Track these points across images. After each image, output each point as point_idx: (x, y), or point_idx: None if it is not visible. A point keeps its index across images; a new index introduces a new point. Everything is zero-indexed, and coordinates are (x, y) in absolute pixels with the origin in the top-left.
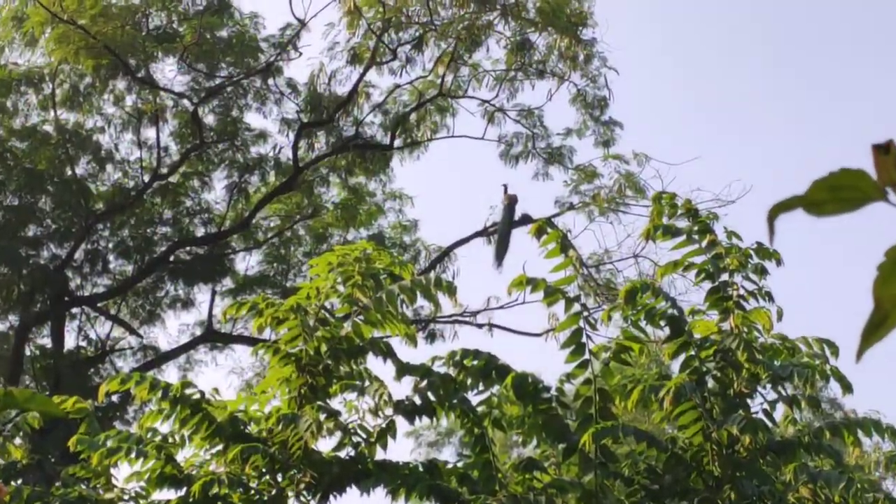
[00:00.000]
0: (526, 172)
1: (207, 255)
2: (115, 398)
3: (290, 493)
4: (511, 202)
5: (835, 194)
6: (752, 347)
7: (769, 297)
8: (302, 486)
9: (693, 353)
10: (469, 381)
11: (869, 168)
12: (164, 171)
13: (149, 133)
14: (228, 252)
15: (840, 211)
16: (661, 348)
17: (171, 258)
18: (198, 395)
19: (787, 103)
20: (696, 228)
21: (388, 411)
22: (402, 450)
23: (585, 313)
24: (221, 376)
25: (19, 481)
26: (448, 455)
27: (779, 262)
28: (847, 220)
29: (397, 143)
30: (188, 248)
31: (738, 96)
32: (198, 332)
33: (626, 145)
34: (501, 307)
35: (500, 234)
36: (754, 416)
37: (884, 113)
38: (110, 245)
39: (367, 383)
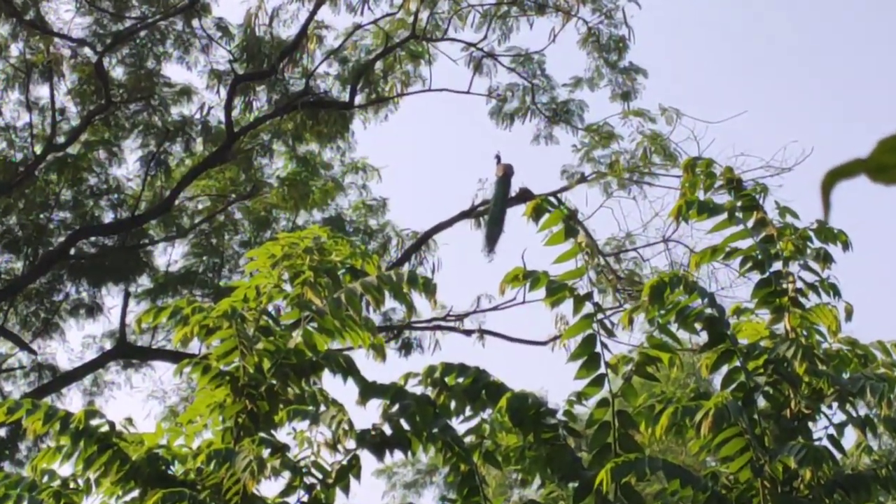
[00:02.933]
0: (524, 135)
1: (118, 246)
2: (1, 432)
3: None
4: (505, 174)
5: None
6: (814, 356)
7: (834, 290)
8: None
9: (738, 363)
10: (453, 405)
11: None
12: (61, 139)
13: (40, 91)
14: (145, 243)
15: None
16: (698, 358)
17: (72, 251)
18: (107, 427)
19: (860, 43)
20: (739, 204)
21: (350, 444)
22: (370, 493)
23: (600, 315)
24: (138, 402)
25: None
26: (430, 499)
27: (846, 246)
28: None
29: (359, 99)
30: (93, 239)
31: (797, 33)
32: (107, 345)
33: (652, 98)
34: (495, 308)
35: (491, 214)
36: (817, 443)
37: None
38: None
39: (322, 409)
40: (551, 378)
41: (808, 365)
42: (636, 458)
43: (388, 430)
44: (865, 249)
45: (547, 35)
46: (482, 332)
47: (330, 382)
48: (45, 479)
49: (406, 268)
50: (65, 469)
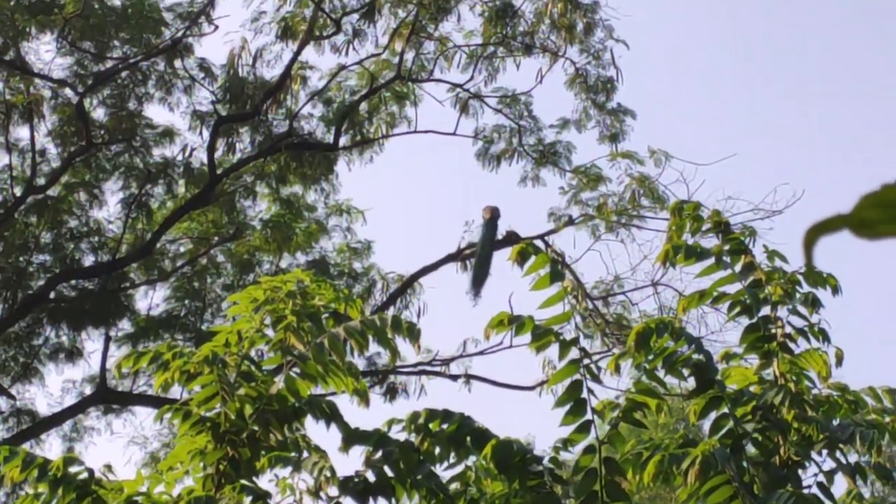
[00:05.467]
0: (511, 177)
1: (99, 290)
2: None
3: None
4: (492, 216)
5: (890, 212)
6: (803, 402)
7: (824, 335)
8: None
9: (726, 410)
10: (438, 451)
11: None
12: (41, 181)
13: (20, 133)
14: (126, 286)
15: None
16: (688, 404)
17: (52, 295)
18: (85, 475)
19: (854, 85)
20: (727, 248)
21: (333, 491)
22: None
23: (587, 360)
24: (118, 448)
25: None
26: None
27: (836, 291)
28: None
29: (343, 141)
30: (74, 282)
31: (789, 75)
32: (87, 390)
33: (640, 140)
34: (481, 353)
35: (478, 257)
36: (806, 491)
37: None
38: None
39: (304, 455)
40: (540, 423)
41: (796, 411)
42: None
43: (371, 476)
44: (856, 294)
45: (534, 76)
46: (468, 377)
47: (313, 428)
48: None
49: (391, 312)
50: None
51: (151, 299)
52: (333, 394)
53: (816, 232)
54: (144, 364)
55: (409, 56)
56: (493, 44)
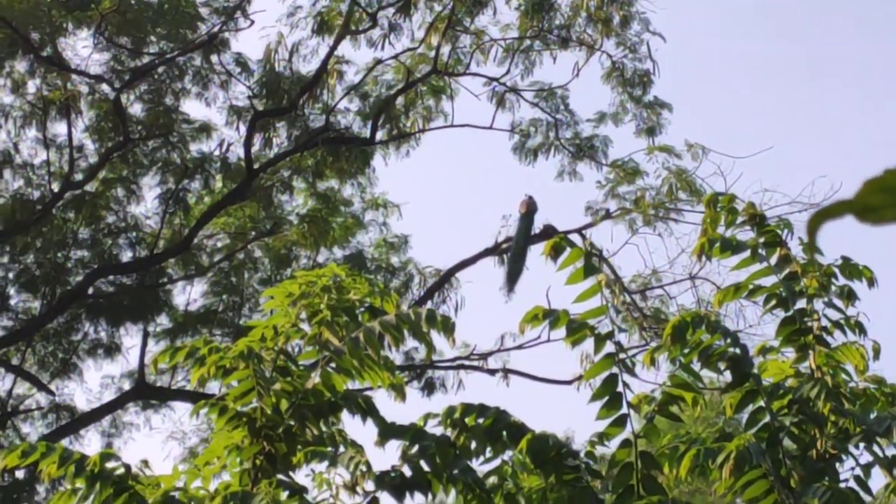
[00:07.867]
0: (548, 171)
1: (137, 285)
2: (20, 474)
3: None
4: (529, 210)
5: (894, 197)
6: (840, 395)
7: (860, 328)
8: None
9: (762, 403)
10: (474, 446)
11: None
12: (79, 177)
13: (58, 129)
14: (164, 282)
15: None
16: (722, 398)
17: (90, 290)
18: (122, 470)
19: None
20: (762, 241)
21: (369, 486)
22: None
23: (622, 355)
24: (157, 443)
25: None
26: None
27: (871, 283)
28: None
29: (380, 135)
30: (111, 278)
31: (829, 66)
32: (126, 386)
33: (678, 134)
34: (520, 347)
35: (513, 251)
36: (843, 485)
37: None
38: (10, 275)
39: (340, 450)
40: (579, 417)
41: (833, 404)
42: (659, 501)
43: (407, 471)
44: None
45: (570, 69)
46: (506, 372)
47: (349, 423)
48: None
49: (427, 306)
50: None
51: (189, 294)
52: (370, 388)
53: (820, 218)
54: (181, 359)
55: (445, 50)
56: (530, 37)
